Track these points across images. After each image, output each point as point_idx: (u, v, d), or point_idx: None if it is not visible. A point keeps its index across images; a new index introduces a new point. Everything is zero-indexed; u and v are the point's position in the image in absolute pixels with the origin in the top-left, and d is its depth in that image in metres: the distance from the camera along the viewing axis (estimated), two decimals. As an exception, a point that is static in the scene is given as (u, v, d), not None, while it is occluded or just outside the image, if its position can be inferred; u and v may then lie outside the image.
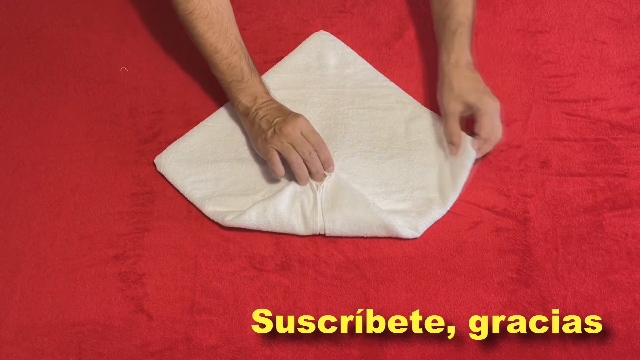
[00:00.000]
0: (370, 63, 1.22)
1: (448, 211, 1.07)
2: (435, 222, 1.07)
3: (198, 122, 1.17)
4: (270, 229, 1.05)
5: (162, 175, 1.12)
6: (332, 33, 1.26)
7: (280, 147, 1.05)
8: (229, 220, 1.05)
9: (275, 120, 1.05)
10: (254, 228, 1.05)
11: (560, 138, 1.14)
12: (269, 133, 1.05)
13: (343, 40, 1.25)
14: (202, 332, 1.01)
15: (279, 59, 1.23)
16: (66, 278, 1.06)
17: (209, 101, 1.20)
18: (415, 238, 1.05)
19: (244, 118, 1.10)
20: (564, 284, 1.02)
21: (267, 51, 1.25)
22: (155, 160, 1.13)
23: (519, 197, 1.09)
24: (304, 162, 1.05)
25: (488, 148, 1.07)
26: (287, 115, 1.06)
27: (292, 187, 1.06)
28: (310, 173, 1.06)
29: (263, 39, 1.27)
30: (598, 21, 1.25)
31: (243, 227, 1.05)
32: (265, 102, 1.09)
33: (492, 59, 1.22)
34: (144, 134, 1.18)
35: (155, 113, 1.20)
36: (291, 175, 1.07)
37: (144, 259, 1.07)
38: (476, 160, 1.07)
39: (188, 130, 1.16)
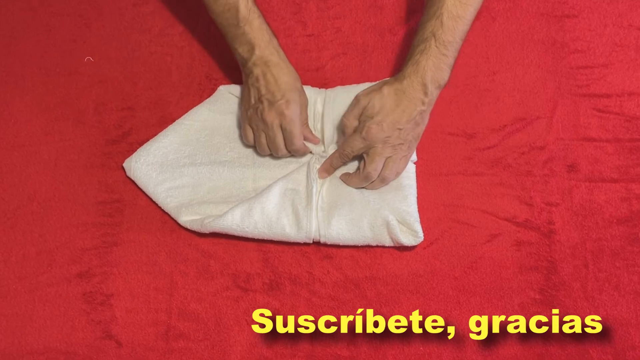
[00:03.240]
0: (372, 52, 1.25)
1: (461, 222, 1.10)
2: (446, 235, 1.09)
3: (174, 120, 1.19)
4: (256, 233, 1.06)
5: (132, 181, 1.14)
6: (328, 17, 1.28)
7: (254, 130, 1.10)
8: (208, 223, 1.06)
9: (262, 98, 1.07)
10: (238, 233, 1.06)
11: (590, 138, 1.16)
12: (251, 111, 1.09)
13: (340, 27, 1.27)
14: (178, 361, 1.03)
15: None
16: (22, 299, 1.07)
17: (187, 96, 1.22)
18: (423, 252, 1.08)
19: (242, 69, 1.12)
20: (595, 305, 1.04)
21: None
22: (124, 164, 1.14)
23: (542, 206, 1.11)
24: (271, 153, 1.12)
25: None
26: (278, 99, 1.07)
27: (282, 183, 1.09)
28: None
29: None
30: (633, 4, 1.27)
31: (225, 231, 1.06)
32: (263, 55, 1.09)
33: (511, 48, 1.24)
34: (111, 133, 1.20)
35: (124, 109, 1.22)
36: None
37: (112, 277, 1.09)
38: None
39: (162, 129, 1.18)
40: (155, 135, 1.17)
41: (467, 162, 1.14)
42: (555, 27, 1.25)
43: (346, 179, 1.10)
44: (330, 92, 1.18)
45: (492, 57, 1.22)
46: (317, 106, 1.16)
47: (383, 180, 1.08)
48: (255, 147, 1.13)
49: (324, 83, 1.22)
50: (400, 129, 1.04)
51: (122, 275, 1.09)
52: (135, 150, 1.16)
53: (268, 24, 1.10)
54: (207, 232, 1.07)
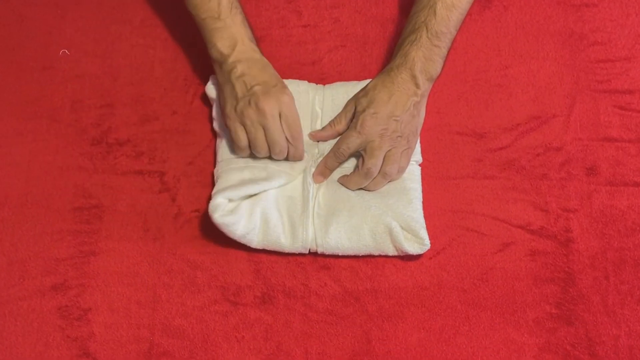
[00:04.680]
0: (373, 44, 1.25)
1: (471, 230, 1.10)
2: (454, 244, 1.09)
3: (157, 118, 1.20)
4: (254, 237, 1.06)
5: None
6: (325, 7, 1.29)
7: (249, 126, 1.06)
8: (217, 217, 1.03)
9: (254, 88, 1.06)
10: (241, 231, 1.05)
11: (611, 138, 1.16)
12: (242, 103, 1.06)
13: (338, 17, 1.28)
14: (162, 382, 1.03)
15: (257, 38, 1.24)
16: (-8, 314, 1.08)
17: (171, 92, 1.23)
18: (429, 262, 1.08)
19: (218, 68, 1.11)
20: (616, 321, 1.04)
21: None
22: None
23: (559, 212, 1.11)
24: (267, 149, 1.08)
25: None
26: (272, 85, 1.07)
27: (278, 190, 1.10)
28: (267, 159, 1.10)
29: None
30: (659, -8, 1.27)
31: (228, 228, 1.04)
32: (246, 51, 1.10)
33: (525, 39, 1.24)
34: (89, 132, 1.20)
35: (103, 107, 1.22)
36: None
37: (89, 290, 1.09)
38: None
39: (144, 128, 1.19)
40: (136, 134, 1.18)
41: (477, 165, 1.15)
42: (573, 17, 1.26)
43: (345, 180, 1.10)
44: (329, 90, 1.18)
45: (505, 50, 1.23)
46: (315, 107, 1.16)
47: (385, 176, 1.08)
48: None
49: (321, 78, 1.22)
50: (396, 120, 1.05)
51: (100, 288, 1.09)
52: (116, 149, 1.17)
53: (249, 22, 1.11)
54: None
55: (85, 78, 1.24)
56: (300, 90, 1.18)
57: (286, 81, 1.18)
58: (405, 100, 1.06)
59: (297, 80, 1.20)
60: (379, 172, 1.08)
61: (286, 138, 1.07)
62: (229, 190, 1.05)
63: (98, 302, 1.08)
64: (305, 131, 1.14)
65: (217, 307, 1.07)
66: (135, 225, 1.13)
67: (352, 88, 1.16)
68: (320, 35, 1.26)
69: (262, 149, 1.08)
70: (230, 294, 1.08)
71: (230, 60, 1.08)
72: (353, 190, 1.10)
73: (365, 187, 1.10)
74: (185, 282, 1.09)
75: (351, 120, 1.10)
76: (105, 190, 1.15)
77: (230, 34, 1.09)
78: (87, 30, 1.29)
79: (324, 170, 1.11)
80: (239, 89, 1.07)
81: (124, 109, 1.22)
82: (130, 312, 1.07)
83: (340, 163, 1.11)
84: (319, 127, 1.15)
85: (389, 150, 1.07)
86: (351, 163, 1.13)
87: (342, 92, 1.16)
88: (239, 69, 1.07)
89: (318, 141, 1.14)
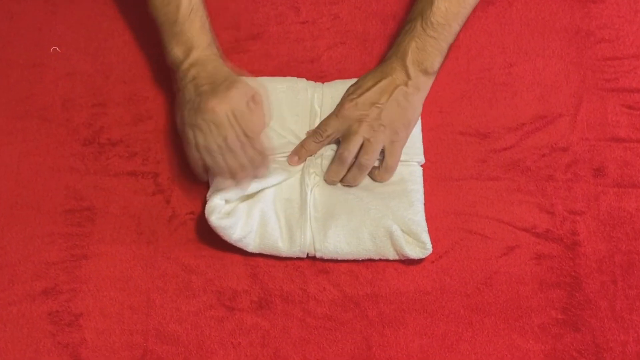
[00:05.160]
0: (374, 41, 1.25)
1: (474, 233, 1.10)
2: (457, 247, 1.09)
3: (151, 117, 1.20)
4: (251, 241, 1.06)
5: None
6: (324, 3, 1.28)
7: (197, 132, 1.02)
8: (214, 220, 1.03)
9: (202, 89, 1.04)
10: (238, 234, 1.05)
11: (619, 138, 1.16)
12: (189, 107, 1.04)
13: (338, 13, 1.27)
14: (156, 390, 1.03)
15: (254, 35, 1.26)
16: (-20, 319, 1.07)
17: (166, 91, 1.23)
18: (431, 266, 1.08)
19: (173, 75, 1.11)
20: (624, 327, 1.04)
21: (239, 26, 1.27)
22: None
23: (565, 214, 1.11)
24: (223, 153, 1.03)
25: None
26: (220, 83, 1.04)
27: (275, 191, 1.10)
28: (230, 170, 1.04)
29: (234, 10, 1.29)
30: (668, -13, 1.27)
31: (225, 231, 1.04)
32: (201, 57, 1.09)
33: (531, 37, 1.24)
34: (81, 132, 1.20)
35: (95, 106, 1.22)
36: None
37: (81, 295, 1.09)
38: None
39: (137, 127, 1.19)
40: (129, 133, 1.18)
41: (481, 165, 1.15)
42: (579, 13, 1.26)
43: (326, 175, 1.10)
44: (328, 88, 1.18)
45: (509, 47, 1.23)
46: (314, 105, 1.16)
47: (361, 168, 1.08)
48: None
49: (320, 76, 1.22)
50: (378, 107, 1.06)
51: (92, 293, 1.09)
52: (108, 150, 1.17)
53: (212, 29, 1.11)
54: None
55: (77, 76, 1.24)
56: (299, 88, 1.18)
57: (283, 79, 1.18)
58: (391, 89, 1.07)
59: (295, 78, 1.20)
60: (355, 163, 1.08)
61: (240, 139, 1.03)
62: (226, 191, 1.05)
63: (90, 307, 1.08)
64: (303, 130, 1.14)
65: (212, 313, 1.07)
66: (128, 228, 1.13)
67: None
68: (319, 32, 1.26)
69: (215, 158, 1.03)
70: (226, 298, 1.08)
71: (184, 66, 1.08)
72: (345, 188, 1.11)
73: (343, 180, 1.10)
74: (180, 287, 1.09)
75: None
76: (98, 192, 1.15)
77: (186, 40, 1.08)
78: (79, 26, 1.29)
79: (299, 150, 1.11)
80: (190, 92, 1.05)
81: (116, 108, 1.22)
82: (123, 318, 1.07)
83: (319, 143, 1.10)
84: (316, 125, 1.15)
85: (367, 139, 1.07)
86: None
87: (342, 90, 1.15)
88: (191, 73, 1.07)
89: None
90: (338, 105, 1.09)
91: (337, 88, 1.17)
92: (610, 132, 1.16)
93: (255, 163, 1.05)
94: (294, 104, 1.16)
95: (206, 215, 1.03)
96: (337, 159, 1.09)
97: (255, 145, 1.05)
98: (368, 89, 1.08)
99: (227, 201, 1.04)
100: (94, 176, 1.16)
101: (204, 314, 1.07)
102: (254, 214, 1.06)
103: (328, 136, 1.09)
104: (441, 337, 1.04)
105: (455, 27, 1.09)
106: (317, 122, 1.15)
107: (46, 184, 1.16)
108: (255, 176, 1.06)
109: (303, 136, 1.14)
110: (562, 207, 1.11)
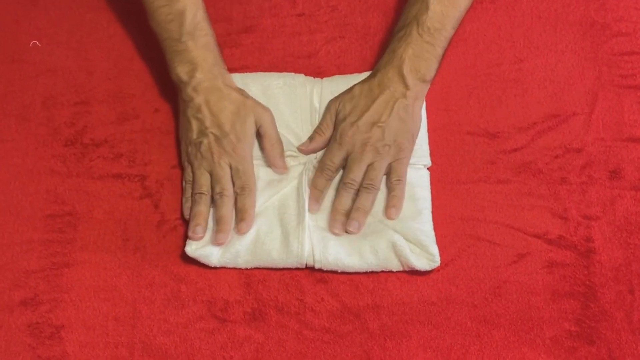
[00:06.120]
0: (374, 35, 1.25)
1: (483, 240, 1.10)
2: (464, 254, 1.10)
3: (137, 116, 1.20)
4: (239, 260, 1.07)
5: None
6: (321, -6, 1.29)
7: (195, 168, 1.10)
8: (191, 251, 1.07)
9: (207, 131, 1.09)
10: (217, 261, 1.07)
11: (637, 139, 1.16)
12: (192, 148, 1.10)
13: (336, 5, 1.28)
14: (142, 407, 1.03)
15: (246, 28, 1.26)
16: (-45, 332, 1.07)
17: (153, 87, 1.23)
18: (436, 275, 1.08)
19: (178, 93, 1.13)
20: (642, 339, 1.05)
21: (231, 19, 1.28)
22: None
23: (580, 219, 1.12)
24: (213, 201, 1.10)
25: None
26: (227, 133, 1.09)
27: (269, 199, 1.10)
28: (216, 215, 1.09)
29: (226, 0, 1.29)
30: (688, -23, 1.28)
31: (205, 260, 1.08)
32: (206, 79, 1.11)
33: (542, 30, 1.24)
34: (63, 132, 1.20)
35: (78, 104, 1.22)
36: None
37: (62, 305, 1.09)
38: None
39: (123, 127, 1.19)
40: (114, 133, 1.18)
41: (490, 167, 1.15)
42: (594, 5, 1.26)
43: (336, 204, 1.10)
44: (328, 82, 1.18)
45: (519, 42, 1.23)
46: (314, 101, 1.17)
47: (369, 191, 1.08)
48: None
49: (317, 72, 1.22)
50: (380, 127, 1.06)
51: (74, 303, 1.09)
52: (92, 151, 1.17)
53: (218, 44, 1.13)
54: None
55: (58, 72, 1.24)
56: (296, 83, 1.18)
57: (280, 74, 1.18)
58: (391, 104, 1.07)
59: (293, 73, 1.20)
60: (361, 186, 1.08)
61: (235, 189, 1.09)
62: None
63: (72, 318, 1.08)
64: (303, 127, 1.15)
65: (202, 324, 1.07)
66: (113, 234, 1.13)
67: (354, 80, 1.16)
68: (316, 25, 1.27)
69: (203, 193, 1.09)
70: (218, 309, 1.08)
71: (189, 89, 1.10)
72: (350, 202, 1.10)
73: (354, 206, 1.09)
74: (168, 297, 1.09)
75: (333, 123, 1.12)
76: (80, 196, 1.15)
77: (190, 59, 1.11)
78: (61, 19, 1.29)
79: (315, 193, 1.11)
80: (195, 129, 1.10)
81: (100, 106, 1.22)
82: (108, 330, 1.07)
83: (330, 179, 1.11)
84: (316, 122, 1.16)
85: (370, 164, 1.08)
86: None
87: (344, 86, 1.16)
88: (196, 102, 1.10)
89: (308, 154, 1.14)
90: (337, 132, 1.10)
91: (338, 82, 1.17)
92: (627, 131, 1.17)
93: (238, 215, 1.09)
94: (292, 101, 1.16)
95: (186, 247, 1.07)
96: (342, 188, 1.09)
97: (242, 201, 1.09)
98: (367, 108, 1.08)
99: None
100: (77, 179, 1.16)
101: (193, 326, 1.07)
102: (250, 231, 1.07)
103: (337, 168, 1.10)
104: (447, 350, 1.04)
105: (450, 32, 1.10)
106: (317, 118, 1.16)
107: (25, 187, 1.16)
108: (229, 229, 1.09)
109: (303, 134, 1.15)
110: (576, 212, 1.12)
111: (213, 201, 1.09)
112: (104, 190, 1.16)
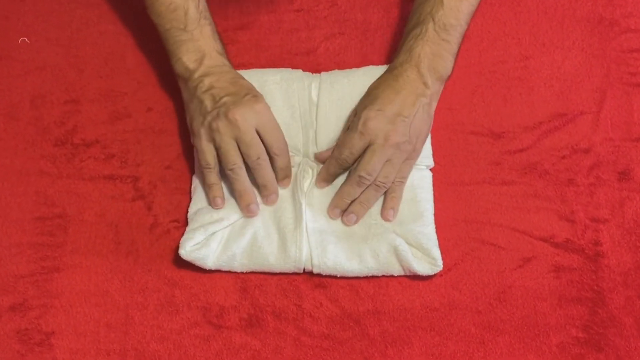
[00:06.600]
0: (375, 31, 1.25)
1: (487, 243, 1.10)
2: (468, 258, 1.10)
3: (129, 115, 1.20)
4: (236, 266, 1.07)
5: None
6: (321, -11, 1.29)
7: (218, 141, 1.05)
8: (185, 253, 1.05)
9: (223, 99, 1.06)
10: (212, 264, 1.07)
11: (647, 138, 1.17)
12: (210, 117, 1.06)
13: (336, 1, 1.28)
14: (135, 416, 1.03)
15: (243, 25, 1.26)
16: (-59, 339, 1.07)
17: (145, 86, 1.23)
18: (439, 280, 1.08)
19: (183, 85, 1.12)
20: (652, 346, 1.05)
21: (227, 15, 1.28)
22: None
23: (587, 222, 1.12)
24: (250, 170, 1.07)
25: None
26: (243, 95, 1.07)
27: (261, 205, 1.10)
28: (257, 186, 1.08)
29: (221, -2, 1.29)
30: (700, -29, 1.28)
31: (200, 262, 1.07)
32: (216, 65, 1.11)
33: (549, 26, 1.25)
34: (52, 132, 1.20)
35: (68, 103, 1.22)
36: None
37: (52, 311, 1.09)
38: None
39: (114, 127, 1.19)
40: (105, 133, 1.18)
41: (494, 168, 1.15)
42: (602, 1, 1.26)
43: (337, 198, 1.09)
44: (327, 76, 1.18)
45: (525, 38, 1.23)
46: (312, 94, 1.17)
47: (378, 190, 1.08)
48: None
49: (316, 69, 1.22)
50: (404, 121, 1.05)
51: (65, 309, 1.09)
52: (82, 151, 1.17)
53: (221, 36, 1.13)
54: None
55: (47, 70, 1.25)
56: (294, 77, 1.18)
57: (277, 70, 1.18)
58: (413, 100, 1.06)
59: (290, 69, 1.20)
60: (373, 182, 1.07)
61: (267, 151, 1.07)
62: (205, 227, 1.07)
63: (62, 324, 1.08)
64: (301, 122, 1.15)
65: (197, 331, 1.07)
66: (105, 237, 1.13)
67: (355, 74, 1.16)
68: (315, 21, 1.27)
69: (235, 164, 1.06)
70: (213, 315, 1.08)
71: (197, 75, 1.09)
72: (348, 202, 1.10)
73: (355, 201, 1.09)
74: (162, 302, 1.09)
75: None
76: (71, 198, 1.15)
77: (198, 47, 1.10)
78: (50, 15, 1.29)
79: (327, 177, 1.10)
80: (208, 102, 1.07)
81: (91, 105, 1.22)
82: (99, 336, 1.07)
83: (346, 170, 1.10)
84: (315, 115, 1.16)
85: (389, 160, 1.06)
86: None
87: (343, 79, 1.16)
88: (206, 83, 1.08)
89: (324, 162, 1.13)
90: (359, 120, 1.06)
91: (337, 75, 1.17)
92: (636, 131, 1.17)
93: (279, 176, 1.10)
94: (288, 95, 1.16)
95: (179, 249, 1.05)
96: (352, 180, 1.07)
97: (280, 160, 1.08)
98: (391, 101, 1.06)
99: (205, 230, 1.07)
100: (67, 180, 1.16)
101: (188, 333, 1.07)
102: (246, 233, 1.07)
103: (356, 159, 1.08)
104: (450, 358, 1.05)
105: (465, 27, 1.10)
106: (314, 111, 1.16)
107: (14, 189, 1.16)
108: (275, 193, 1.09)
109: (302, 131, 1.14)
110: (584, 215, 1.12)
111: (250, 169, 1.07)
112: (95, 191, 1.16)
